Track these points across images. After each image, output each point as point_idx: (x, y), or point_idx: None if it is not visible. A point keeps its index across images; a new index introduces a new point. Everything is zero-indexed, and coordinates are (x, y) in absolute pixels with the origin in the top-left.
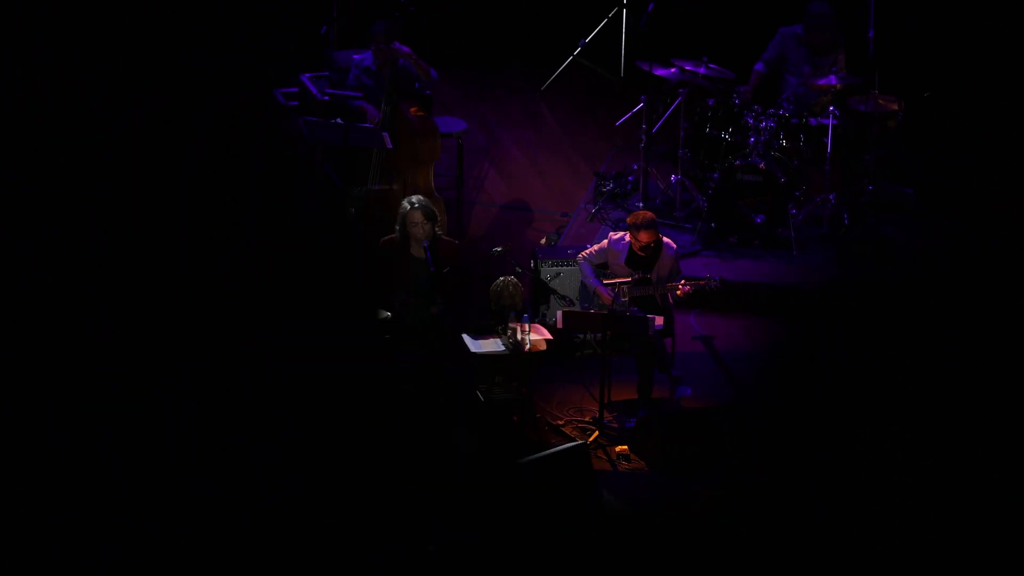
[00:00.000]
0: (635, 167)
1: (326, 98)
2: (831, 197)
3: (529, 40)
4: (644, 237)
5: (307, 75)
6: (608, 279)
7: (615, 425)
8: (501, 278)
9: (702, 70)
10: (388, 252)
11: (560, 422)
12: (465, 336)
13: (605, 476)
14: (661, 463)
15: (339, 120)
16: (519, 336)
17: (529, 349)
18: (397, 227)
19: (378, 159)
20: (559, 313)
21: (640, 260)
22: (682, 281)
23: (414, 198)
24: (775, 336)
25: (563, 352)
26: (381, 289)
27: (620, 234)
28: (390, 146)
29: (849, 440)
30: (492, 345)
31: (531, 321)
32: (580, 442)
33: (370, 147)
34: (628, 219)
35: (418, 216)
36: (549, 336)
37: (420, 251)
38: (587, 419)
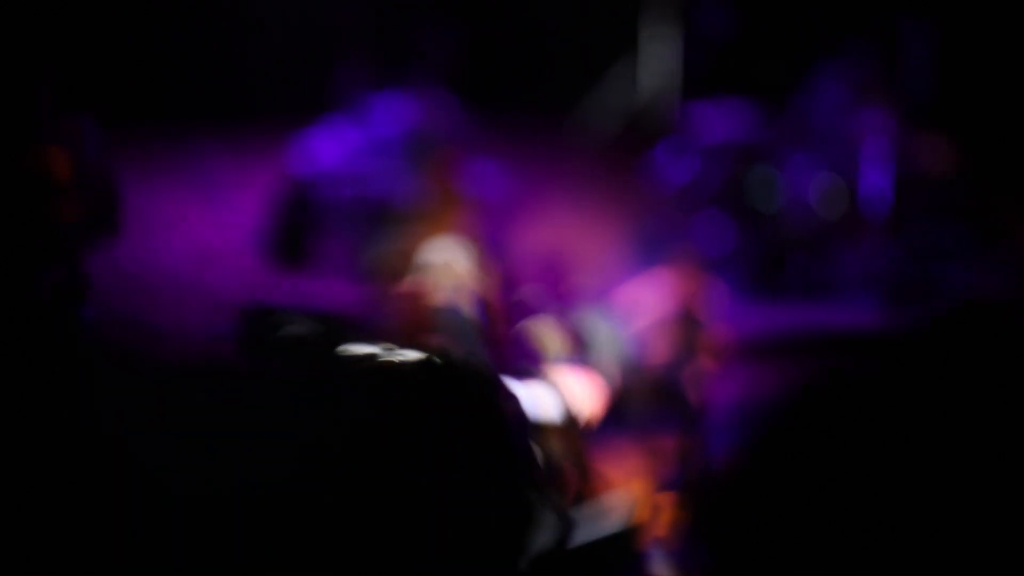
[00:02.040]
0: (673, 213)
1: None
2: (881, 239)
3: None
4: (683, 272)
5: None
6: (650, 335)
7: (661, 479)
8: (542, 322)
9: (739, 115)
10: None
11: (608, 475)
12: (510, 384)
13: (647, 530)
14: (705, 520)
15: None
16: (567, 386)
17: (578, 400)
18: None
19: (410, 210)
20: (604, 366)
21: (682, 307)
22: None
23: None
24: (820, 381)
25: (612, 403)
26: None
27: (658, 281)
28: (420, 199)
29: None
30: (539, 394)
31: (580, 370)
32: (628, 500)
33: (399, 201)
34: (667, 265)
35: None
36: (597, 386)
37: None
38: (633, 472)
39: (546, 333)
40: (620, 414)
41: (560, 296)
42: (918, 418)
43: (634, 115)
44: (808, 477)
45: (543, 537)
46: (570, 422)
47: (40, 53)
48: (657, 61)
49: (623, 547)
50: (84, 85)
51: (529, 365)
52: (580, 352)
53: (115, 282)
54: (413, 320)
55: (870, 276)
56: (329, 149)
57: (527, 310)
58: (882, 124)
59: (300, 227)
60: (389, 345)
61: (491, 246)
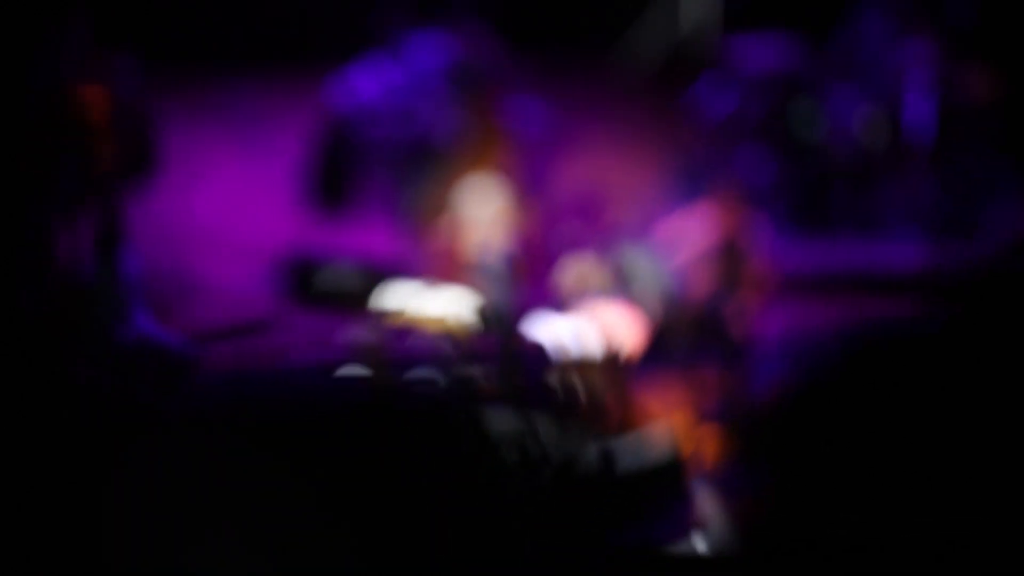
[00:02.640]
0: (716, 148)
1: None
2: (924, 173)
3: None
4: (726, 206)
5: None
6: (692, 266)
7: (704, 410)
8: (579, 258)
9: (783, 46)
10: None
11: (648, 406)
12: (546, 319)
13: (693, 462)
14: (750, 448)
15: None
16: (604, 319)
17: (616, 332)
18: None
19: (450, 149)
20: (642, 298)
21: (724, 241)
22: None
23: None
24: (865, 316)
25: (651, 336)
26: None
27: (699, 214)
28: (461, 138)
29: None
30: (575, 327)
31: (616, 304)
32: (669, 428)
33: (440, 141)
34: (709, 198)
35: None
36: (637, 319)
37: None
38: (675, 403)
39: (586, 269)
40: (662, 347)
41: (600, 231)
42: (961, 360)
43: (676, 48)
44: (852, 412)
45: (586, 469)
46: (611, 356)
47: None
48: None
49: (667, 478)
50: (122, 23)
51: (569, 301)
52: (621, 287)
53: (153, 230)
54: (451, 263)
55: (914, 211)
56: (369, 87)
57: (567, 246)
58: (926, 54)
59: (340, 168)
60: (426, 288)
61: (531, 182)
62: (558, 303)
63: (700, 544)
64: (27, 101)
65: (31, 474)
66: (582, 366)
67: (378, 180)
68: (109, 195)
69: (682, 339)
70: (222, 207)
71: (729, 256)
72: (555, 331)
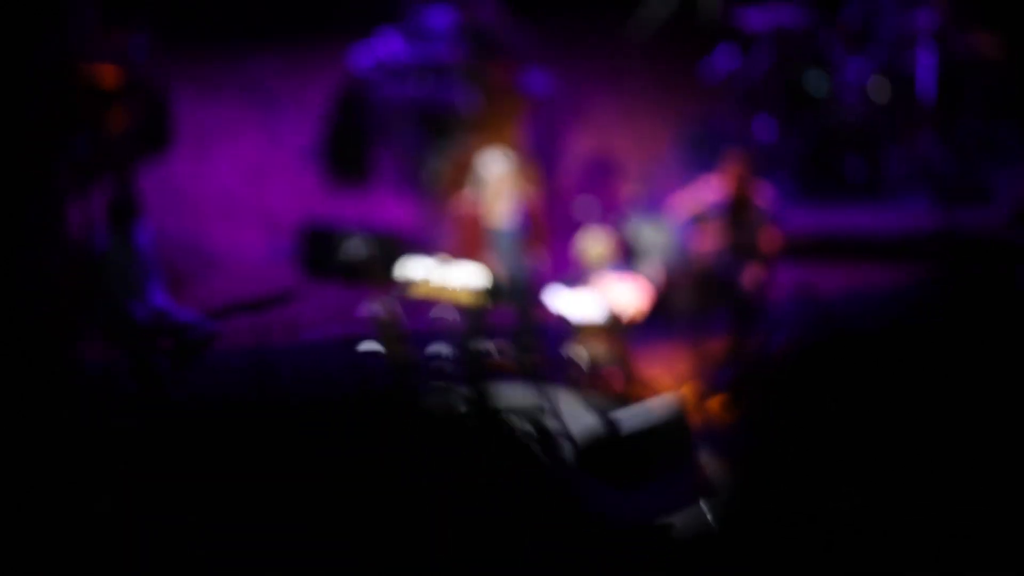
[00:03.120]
0: (726, 114)
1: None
2: (931, 138)
3: None
4: (736, 172)
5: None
6: (702, 228)
7: (711, 378)
8: (591, 231)
9: (795, 13)
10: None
11: (656, 376)
12: (557, 291)
13: (701, 430)
14: (758, 415)
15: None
16: (613, 291)
17: (624, 304)
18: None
19: (464, 119)
20: (652, 267)
21: (735, 206)
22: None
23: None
24: (874, 281)
25: (657, 305)
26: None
27: (712, 180)
28: (474, 108)
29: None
30: (587, 300)
31: (625, 275)
32: (677, 397)
33: (453, 111)
34: (721, 160)
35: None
36: (643, 290)
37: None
38: (683, 372)
39: (594, 242)
40: (668, 317)
41: (610, 201)
42: (962, 336)
43: (686, 13)
44: (860, 378)
45: (596, 439)
46: (615, 326)
47: None
48: None
49: (673, 446)
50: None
51: (577, 273)
52: (627, 258)
53: (169, 203)
54: (466, 235)
55: (920, 175)
56: (385, 58)
57: (577, 219)
58: (932, 19)
59: (359, 135)
60: (443, 261)
61: (543, 152)
62: (572, 274)
63: (706, 511)
64: (39, 76)
65: (36, 457)
66: (593, 336)
67: (396, 147)
68: (122, 168)
69: (689, 307)
70: (239, 179)
71: (739, 220)
72: (570, 302)
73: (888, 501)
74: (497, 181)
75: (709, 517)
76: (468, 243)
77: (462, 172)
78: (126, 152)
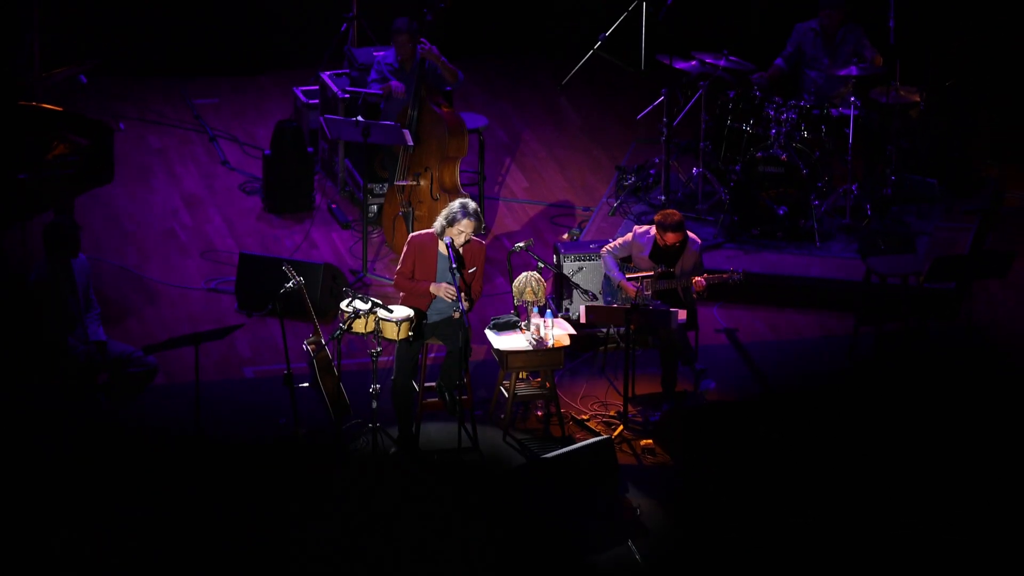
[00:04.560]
0: (656, 160)
1: (346, 96)
2: (853, 188)
3: (549, 34)
4: (671, 238)
5: (327, 73)
6: (631, 273)
7: (640, 419)
8: (524, 273)
9: (722, 63)
10: (420, 247)
11: (585, 417)
12: (488, 332)
13: (630, 470)
14: (686, 456)
15: (359, 118)
16: (542, 331)
17: (553, 344)
18: (443, 223)
19: (405, 155)
20: (582, 307)
21: (664, 254)
22: (704, 275)
23: (471, 205)
24: (798, 328)
25: (586, 346)
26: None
27: (644, 228)
28: (411, 143)
29: (871, 429)
30: (516, 341)
31: (554, 316)
32: (605, 437)
33: (391, 144)
34: (656, 217)
35: (470, 227)
36: (572, 331)
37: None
38: (611, 413)
39: (527, 282)
40: (598, 358)
41: (544, 241)
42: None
43: (620, 59)
44: (791, 419)
45: (516, 472)
46: (546, 365)
47: (30, 7)
48: (650, 9)
49: (598, 478)
50: (76, 38)
51: (510, 315)
52: (559, 299)
53: (109, 231)
54: (412, 264)
55: (845, 224)
56: (325, 91)
57: (512, 259)
58: (859, 72)
59: (297, 170)
60: (379, 303)
61: (480, 189)
62: (497, 319)
63: (634, 550)
64: None
65: None
66: (524, 375)
67: (336, 180)
68: (62, 200)
69: (621, 347)
70: (180, 211)
71: (668, 264)
72: (501, 341)
73: (814, 542)
74: (461, 229)
75: (637, 557)
76: (411, 287)
77: (404, 201)
78: (66, 183)
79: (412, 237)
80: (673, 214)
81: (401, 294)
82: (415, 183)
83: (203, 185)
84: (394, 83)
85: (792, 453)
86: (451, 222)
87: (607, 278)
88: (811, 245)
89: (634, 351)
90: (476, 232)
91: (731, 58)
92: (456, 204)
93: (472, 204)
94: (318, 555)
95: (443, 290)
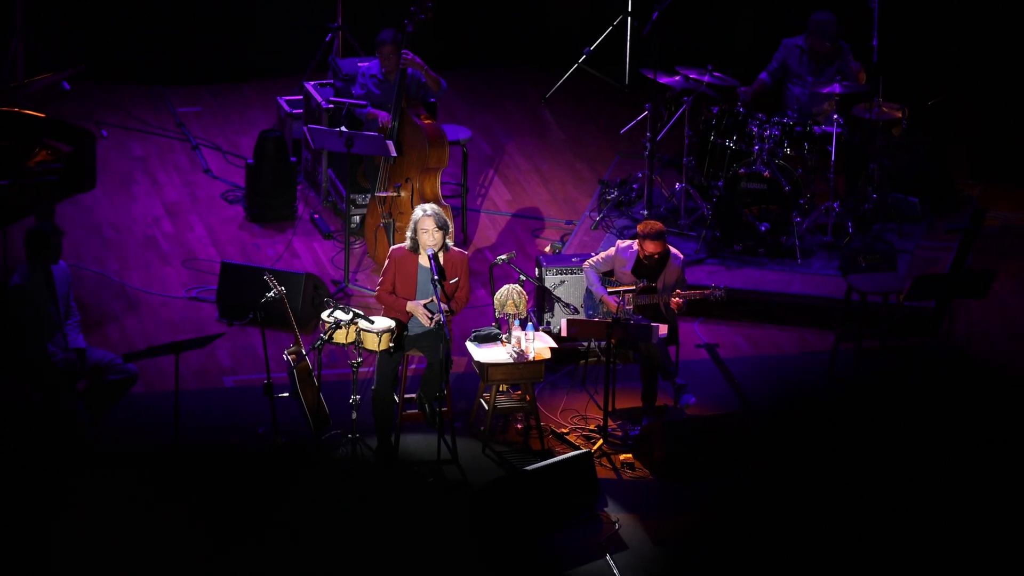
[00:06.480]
0: (639, 175)
1: (330, 106)
2: (835, 205)
3: (533, 48)
4: (651, 247)
5: (311, 83)
6: (613, 287)
7: (619, 433)
8: (506, 286)
9: (706, 78)
10: (399, 261)
11: (564, 430)
12: (469, 344)
13: (609, 485)
14: (665, 471)
15: (343, 128)
16: (523, 344)
17: (533, 357)
18: (409, 235)
19: (386, 166)
20: (564, 321)
21: (646, 269)
22: (687, 290)
23: (428, 206)
24: (779, 344)
25: (567, 360)
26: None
27: (627, 243)
28: (394, 154)
29: (851, 446)
30: (497, 353)
31: (535, 329)
32: (584, 451)
33: (374, 155)
34: (638, 227)
35: (430, 224)
36: (553, 344)
37: (427, 260)
38: (591, 427)
39: (509, 296)
40: (579, 371)
41: (526, 254)
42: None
43: (608, 76)
44: (775, 433)
45: (495, 487)
46: (526, 379)
47: (13, 12)
48: (635, 24)
49: (578, 493)
50: (59, 44)
51: (491, 327)
52: (541, 312)
53: (90, 239)
54: (392, 289)
55: (826, 241)
56: (309, 102)
57: (493, 272)
58: (842, 90)
59: (279, 179)
60: (360, 314)
61: (463, 201)
62: (479, 331)
63: (612, 565)
64: None
65: None
66: (504, 388)
67: (318, 189)
68: (43, 207)
69: (601, 361)
70: (161, 219)
71: (649, 279)
72: (482, 354)
73: (792, 557)
74: (423, 227)
75: (615, 571)
76: (398, 286)
77: (386, 214)
78: (47, 190)
79: (392, 250)
80: (654, 224)
81: (383, 307)
82: (396, 194)
83: (185, 193)
84: (382, 115)
85: (771, 469)
86: (415, 230)
87: (589, 292)
88: (792, 262)
89: (615, 365)
90: (441, 227)
91: (715, 74)
92: (416, 210)
93: (430, 205)
94: (293, 564)
95: (420, 311)
